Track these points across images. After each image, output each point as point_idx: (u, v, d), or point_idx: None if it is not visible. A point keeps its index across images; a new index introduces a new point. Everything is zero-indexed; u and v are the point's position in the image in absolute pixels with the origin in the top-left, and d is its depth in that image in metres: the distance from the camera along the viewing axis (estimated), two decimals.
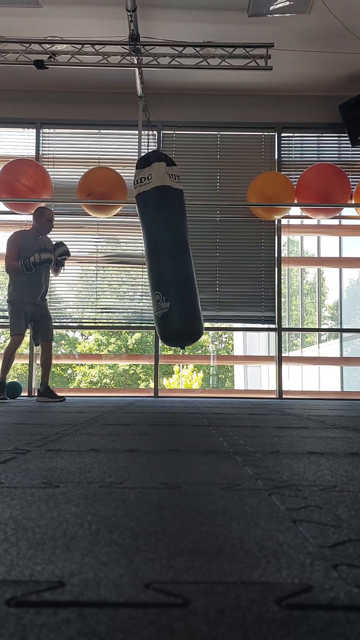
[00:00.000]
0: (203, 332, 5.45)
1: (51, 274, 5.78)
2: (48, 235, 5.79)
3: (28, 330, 5.71)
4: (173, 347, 5.81)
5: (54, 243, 5.70)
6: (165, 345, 5.89)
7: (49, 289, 5.82)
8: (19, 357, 7.04)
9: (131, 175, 6.14)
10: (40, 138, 7.15)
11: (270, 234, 7.08)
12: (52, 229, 5.80)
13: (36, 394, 5.72)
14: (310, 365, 12.69)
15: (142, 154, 5.56)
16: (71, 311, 7.15)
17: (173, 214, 5.25)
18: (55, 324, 7.23)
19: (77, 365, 22.12)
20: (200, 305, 5.55)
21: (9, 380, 5.89)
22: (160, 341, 5.52)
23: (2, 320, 7.20)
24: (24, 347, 6.24)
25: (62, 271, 5.80)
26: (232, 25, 5.71)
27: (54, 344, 5.84)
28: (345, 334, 11.44)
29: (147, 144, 7.04)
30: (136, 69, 6.08)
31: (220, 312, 7.02)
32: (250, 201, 6.80)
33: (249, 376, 18.84)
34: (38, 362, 7.17)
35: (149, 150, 5.46)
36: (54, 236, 7.01)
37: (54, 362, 5.78)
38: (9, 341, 5.69)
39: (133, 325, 7.32)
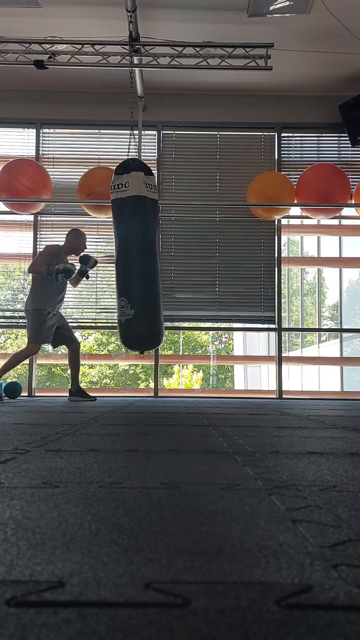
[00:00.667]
0: (162, 340, 5.64)
1: (69, 284, 6.01)
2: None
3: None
4: (139, 350, 5.95)
5: (82, 255, 5.91)
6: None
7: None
8: None
9: None
10: (40, 138, 7.15)
11: (270, 234, 7.08)
12: (48, 230, 5.92)
13: (67, 394, 5.95)
14: (310, 365, 12.69)
15: (120, 162, 5.61)
16: (71, 311, 7.15)
17: (146, 223, 5.39)
18: None
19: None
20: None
21: (9, 380, 5.91)
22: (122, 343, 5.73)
23: (1, 320, 7.20)
24: (23, 347, 6.24)
25: (84, 280, 6.09)
26: (232, 25, 5.71)
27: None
28: (345, 334, 11.44)
29: (128, 144, 7.03)
30: (136, 69, 6.08)
31: (220, 312, 7.02)
32: (250, 201, 6.80)
33: (249, 376, 18.84)
34: (39, 362, 7.19)
35: (129, 157, 5.53)
36: (54, 237, 7.02)
37: (54, 362, 5.89)
38: (24, 346, 5.84)
39: None
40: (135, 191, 5.34)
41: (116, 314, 7.05)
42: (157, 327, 5.45)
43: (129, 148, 5.93)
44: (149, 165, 7.05)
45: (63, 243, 5.98)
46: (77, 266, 5.90)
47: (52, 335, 5.75)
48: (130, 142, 5.98)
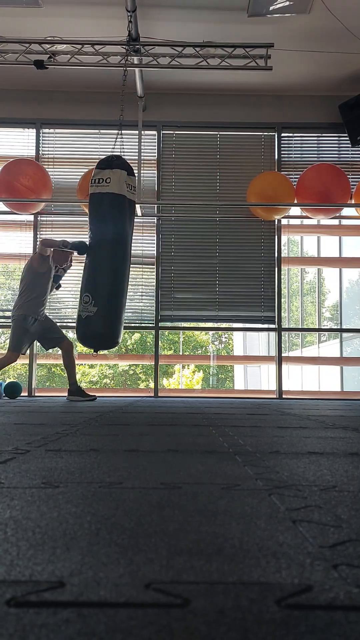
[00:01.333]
0: (119, 342, 5.52)
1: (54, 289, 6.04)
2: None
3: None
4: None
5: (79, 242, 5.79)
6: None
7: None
8: (19, 357, 7.02)
9: None
10: (40, 138, 7.15)
11: (270, 234, 7.08)
12: (48, 230, 5.91)
13: (66, 394, 5.91)
14: (310, 365, 12.69)
15: (104, 157, 5.51)
16: (71, 311, 7.15)
17: (122, 223, 5.29)
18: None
19: (77, 365, 22.11)
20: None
21: (9, 380, 5.91)
22: (78, 340, 5.66)
23: (1, 320, 7.20)
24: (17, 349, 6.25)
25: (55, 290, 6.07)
26: (232, 25, 5.71)
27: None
28: (345, 334, 11.44)
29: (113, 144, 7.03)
30: (136, 69, 6.08)
31: (220, 312, 7.02)
32: (250, 201, 6.80)
33: (249, 376, 18.84)
34: (39, 362, 7.19)
35: (112, 154, 5.42)
36: (55, 236, 7.02)
37: (54, 361, 5.87)
38: (5, 354, 5.81)
39: (133, 325, 7.31)
40: (116, 189, 5.20)
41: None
42: (117, 328, 5.32)
43: (114, 146, 5.86)
44: (149, 164, 7.08)
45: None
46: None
47: (30, 344, 5.77)
48: (115, 141, 5.89)
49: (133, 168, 5.41)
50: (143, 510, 0.96)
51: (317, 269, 15.54)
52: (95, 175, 5.35)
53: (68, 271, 6.87)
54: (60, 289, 6.23)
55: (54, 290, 6.05)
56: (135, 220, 5.64)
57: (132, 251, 5.55)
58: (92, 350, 5.53)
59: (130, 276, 5.55)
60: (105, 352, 6.46)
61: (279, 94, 7.07)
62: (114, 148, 5.75)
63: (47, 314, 6.03)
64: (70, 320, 7.14)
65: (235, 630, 0.50)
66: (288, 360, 10.04)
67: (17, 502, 1.01)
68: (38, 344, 6.42)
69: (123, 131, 7.09)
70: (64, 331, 6.15)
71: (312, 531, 0.83)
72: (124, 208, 5.29)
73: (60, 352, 5.93)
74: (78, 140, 7.21)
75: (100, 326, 5.22)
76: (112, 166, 5.26)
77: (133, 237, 5.53)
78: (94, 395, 5.88)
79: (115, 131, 7.12)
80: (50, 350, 6.47)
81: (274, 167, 7.11)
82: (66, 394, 5.88)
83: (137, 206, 6.48)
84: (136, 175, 5.64)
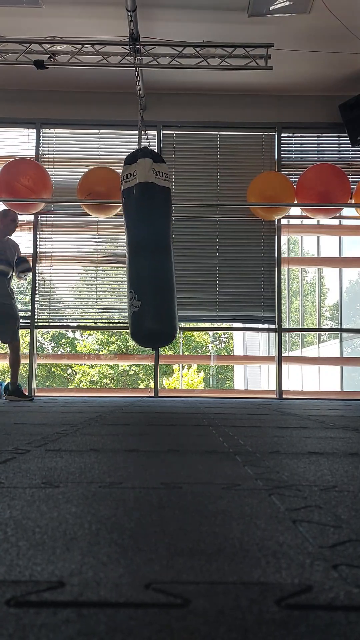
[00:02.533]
0: (175, 335, 5.29)
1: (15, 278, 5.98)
2: (14, 237, 5.95)
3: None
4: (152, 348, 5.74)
5: (20, 257, 5.85)
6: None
7: (15, 290, 5.98)
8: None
9: None
10: (40, 138, 7.15)
11: (270, 234, 7.09)
12: (48, 230, 5.88)
13: (4, 393, 5.87)
14: (310, 365, 12.69)
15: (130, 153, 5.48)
16: (71, 311, 7.15)
17: (155, 211, 5.09)
18: (56, 324, 7.24)
19: (77, 365, 22.15)
20: (177, 307, 5.44)
21: (9, 380, 5.90)
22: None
23: None
24: (24, 347, 6.24)
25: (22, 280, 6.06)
26: (232, 25, 5.71)
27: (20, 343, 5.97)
28: (345, 334, 11.44)
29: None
30: (136, 69, 6.08)
31: (220, 312, 7.02)
32: (250, 201, 6.80)
33: (249, 376, 18.84)
34: (39, 362, 7.18)
35: (138, 147, 5.37)
36: (55, 236, 7.02)
37: (53, 362, 5.84)
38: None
39: None
40: (143, 178, 5.09)
41: (118, 315, 7.07)
42: (168, 321, 5.06)
43: (139, 143, 5.81)
44: None
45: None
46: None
47: None
48: (140, 138, 5.84)
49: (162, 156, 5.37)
50: (143, 510, 0.96)
51: (317, 269, 15.55)
52: (124, 172, 5.28)
53: (67, 271, 6.87)
54: (58, 288, 6.21)
55: (22, 278, 5.98)
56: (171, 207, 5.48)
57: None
58: (151, 350, 5.36)
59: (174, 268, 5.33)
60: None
61: (279, 94, 7.07)
62: (139, 145, 5.76)
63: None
64: (70, 320, 7.14)
65: (235, 630, 0.50)
66: (288, 360, 10.05)
67: (17, 502, 1.01)
68: (38, 344, 6.41)
69: (123, 131, 7.12)
70: (61, 332, 6.11)
71: (312, 531, 0.83)
72: (154, 194, 5.12)
73: (62, 351, 5.90)
74: (78, 140, 7.21)
75: (149, 320, 4.99)
76: (136, 158, 5.20)
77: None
78: (32, 396, 5.85)
79: (116, 131, 7.14)
80: (50, 350, 6.45)
81: (274, 167, 7.11)
82: (66, 394, 5.87)
83: None
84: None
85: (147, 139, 6.34)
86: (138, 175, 5.10)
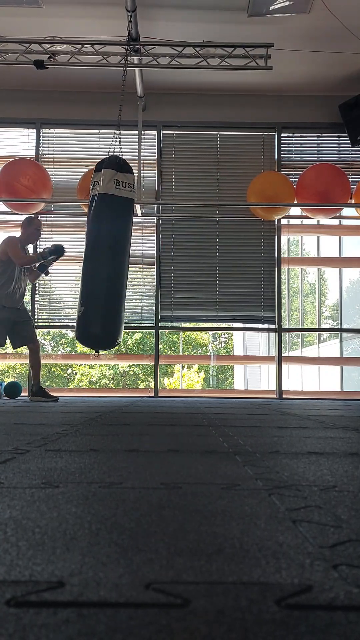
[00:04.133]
0: (116, 341, 5.39)
1: (29, 280, 5.93)
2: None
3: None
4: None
5: (50, 246, 5.77)
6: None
7: (26, 294, 5.92)
8: (19, 357, 7.05)
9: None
10: (40, 138, 7.15)
11: (270, 234, 7.08)
12: (48, 230, 5.86)
13: (28, 394, 5.84)
14: (310, 365, 12.69)
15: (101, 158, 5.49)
16: (71, 311, 7.15)
17: (111, 222, 5.19)
18: (56, 324, 7.24)
19: (77, 365, 22.15)
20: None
21: (8, 380, 5.91)
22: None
23: None
24: (23, 347, 6.24)
25: (43, 276, 5.94)
26: (232, 25, 5.71)
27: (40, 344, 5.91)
28: (345, 334, 11.44)
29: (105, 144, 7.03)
30: (136, 69, 6.08)
31: (220, 312, 7.02)
32: (250, 201, 6.80)
33: (249, 376, 18.84)
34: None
35: (106, 156, 5.37)
36: (55, 236, 7.02)
37: (54, 361, 5.84)
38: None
39: (133, 325, 7.31)
40: (103, 189, 5.17)
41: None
42: (109, 328, 5.21)
43: (112, 148, 5.81)
44: (149, 164, 7.08)
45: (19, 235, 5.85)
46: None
47: (2, 335, 5.65)
48: (112, 141, 5.82)
49: (131, 166, 5.37)
50: (143, 510, 0.96)
51: (317, 269, 15.55)
52: (92, 178, 5.37)
53: (67, 271, 6.88)
54: (58, 288, 6.18)
55: (42, 276, 5.91)
56: (134, 220, 5.56)
57: (131, 251, 5.48)
58: (93, 350, 5.50)
59: (129, 276, 5.46)
60: (105, 351, 6.39)
61: (279, 94, 7.07)
62: (110, 149, 5.69)
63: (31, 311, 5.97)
64: (70, 320, 7.14)
65: (235, 630, 0.50)
66: (288, 360, 10.05)
67: (17, 502, 1.01)
68: (53, 343, 6.42)
69: (123, 131, 7.11)
70: (61, 331, 6.08)
71: (312, 531, 0.83)
72: (112, 206, 5.20)
73: (62, 351, 5.88)
74: (78, 140, 7.21)
75: (90, 326, 5.17)
76: (101, 167, 5.26)
77: (132, 237, 5.47)
78: (56, 396, 5.83)
79: (116, 131, 7.14)
80: (50, 350, 6.43)
81: (274, 167, 7.11)
82: (66, 394, 5.87)
83: (137, 206, 6.47)
84: (135, 172, 5.55)
85: (120, 142, 6.23)
86: (99, 186, 5.18)
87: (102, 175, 5.18)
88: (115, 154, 5.35)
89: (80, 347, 23.73)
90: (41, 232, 5.88)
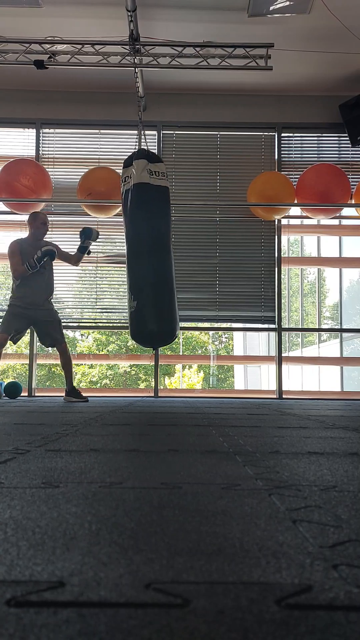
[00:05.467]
0: (174, 335, 5.29)
1: (73, 265, 5.85)
2: (46, 239, 5.82)
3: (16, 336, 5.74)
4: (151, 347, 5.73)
5: (82, 229, 5.74)
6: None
7: (53, 291, 5.80)
8: (19, 357, 7.04)
9: None
10: (40, 138, 7.15)
11: (270, 234, 7.09)
12: (49, 230, 5.83)
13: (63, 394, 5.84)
14: (310, 365, 12.69)
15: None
16: (71, 311, 7.15)
17: (151, 212, 5.11)
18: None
19: (76, 364, 22.13)
20: (178, 306, 5.44)
21: (9, 380, 5.90)
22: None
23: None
24: (23, 347, 6.24)
25: (86, 256, 5.84)
26: (232, 25, 5.71)
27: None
28: (345, 334, 11.44)
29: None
30: (136, 69, 6.08)
31: (220, 312, 7.02)
32: (250, 201, 6.80)
33: (249, 376, 18.84)
34: (39, 362, 7.18)
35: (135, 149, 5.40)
36: (54, 237, 7.02)
37: (53, 361, 5.83)
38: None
39: None
40: (137, 179, 5.14)
41: (118, 314, 7.07)
42: (166, 321, 5.08)
43: (136, 145, 5.82)
44: None
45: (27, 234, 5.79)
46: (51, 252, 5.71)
47: (19, 328, 5.59)
48: (138, 138, 5.83)
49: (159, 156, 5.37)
50: (143, 510, 0.96)
51: (317, 269, 15.55)
52: (122, 175, 5.35)
53: (67, 271, 6.86)
54: (58, 289, 6.14)
55: (85, 255, 5.80)
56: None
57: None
58: (152, 350, 5.37)
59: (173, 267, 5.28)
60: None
61: (279, 94, 7.07)
62: (135, 146, 5.72)
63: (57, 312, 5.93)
64: (70, 320, 7.14)
65: (235, 630, 0.50)
66: (288, 360, 10.04)
67: (17, 502, 1.01)
68: (38, 344, 6.42)
69: (123, 131, 7.12)
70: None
71: (312, 531, 0.83)
72: (150, 195, 5.14)
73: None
74: (78, 140, 7.21)
75: (146, 321, 5.03)
76: (131, 160, 5.25)
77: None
78: (87, 397, 5.81)
79: (116, 131, 7.14)
80: (50, 350, 6.42)
81: (274, 167, 7.11)
82: (64, 394, 5.85)
83: None
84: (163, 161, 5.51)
85: (146, 139, 6.32)
86: (133, 177, 5.16)
87: (134, 167, 5.15)
88: (141, 148, 5.35)
89: (80, 347, 23.76)
90: (48, 225, 5.76)
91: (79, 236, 5.72)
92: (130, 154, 5.57)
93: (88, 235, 5.65)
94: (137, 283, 5.06)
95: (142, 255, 5.10)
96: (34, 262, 5.44)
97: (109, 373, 22.38)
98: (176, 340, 5.34)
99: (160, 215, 5.20)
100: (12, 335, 5.61)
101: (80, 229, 5.75)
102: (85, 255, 5.81)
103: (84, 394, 5.84)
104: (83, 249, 5.72)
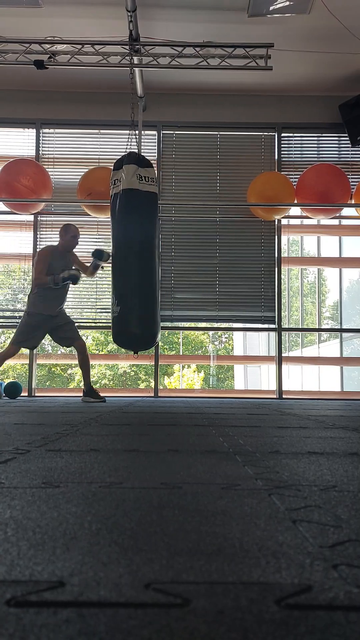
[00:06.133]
0: (156, 339, 5.36)
1: (86, 275, 5.96)
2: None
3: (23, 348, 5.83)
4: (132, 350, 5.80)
5: (94, 250, 5.86)
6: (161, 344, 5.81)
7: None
8: (19, 357, 7.05)
9: None
10: (40, 138, 7.15)
11: (270, 234, 7.08)
12: (48, 230, 5.85)
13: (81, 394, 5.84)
14: (310, 365, 12.69)
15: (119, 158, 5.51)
16: (71, 311, 7.15)
17: (138, 217, 5.16)
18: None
19: (76, 364, 22.12)
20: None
21: (9, 380, 5.90)
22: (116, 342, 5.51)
23: (1, 320, 7.20)
24: (23, 349, 6.23)
25: (100, 271, 6.06)
26: (232, 25, 5.71)
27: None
28: (345, 334, 11.44)
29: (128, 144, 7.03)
30: (136, 69, 6.08)
31: (220, 312, 7.02)
32: (250, 201, 6.80)
33: (249, 376, 18.84)
34: (39, 362, 7.17)
35: (126, 153, 5.40)
36: (55, 236, 7.02)
37: (54, 361, 5.82)
38: (5, 347, 5.77)
39: None
40: (126, 185, 5.16)
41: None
42: (148, 326, 5.17)
43: (128, 146, 5.84)
44: None
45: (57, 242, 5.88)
46: (88, 264, 5.89)
47: (37, 340, 5.69)
48: (129, 140, 5.88)
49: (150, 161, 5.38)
50: (143, 510, 0.96)
51: (317, 269, 15.55)
52: (112, 177, 5.37)
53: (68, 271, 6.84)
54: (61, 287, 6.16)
55: (95, 272, 5.94)
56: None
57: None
58: (132, 351, 5.45)
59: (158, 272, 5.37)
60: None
61: (279, 94, 7.07)
62: (126, 147, 5.71)
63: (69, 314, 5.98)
64: None
65: (235, 630, 0.50)
66: (288, 360, 10.04)
67: (17, 502, 1.01)
68: (53, 343, 6.42)
69: (123, 131, 7.11)
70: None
71: (312, 531, 0.83)
72: (139, 201, 5.17)
73: (62, 351, 5.87)
74: (78, 140, 7.21)
75: (128, 325, 5.12)
76: (122, 164, 5.26)
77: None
78: (104, 397, 5.78)
79: (115, 131, 7.14)
80: (50, 350, 6.41)
81: (274, 167, 7.11)
82: (66, 394, 5.84)
83: None
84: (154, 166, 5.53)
85: (137, 140, 6.31)
86: (122, 182, 5.17)
87: (123, 172, 5.16)
88: (131, 151, 5.36)
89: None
90: (78, 239, 5.82)
91: (92, 255, 5.83)
92: (131, 152, 5.56)
93: (99, 257, 5.78)
94: (121, 287, 5.15)
95: (127, 259, 5.18)
96: (59, 280, 5.51)
97: (108, 373, 22.38)
98: (158, 343, 5.42)
99: (148, 222, 5.26)
100: (26, 346, 5.71)
101: (93, 250, 5.86)
102: (100, 270, 5.98)
103: (80, 394, 5.81)
104: (95, 267, 5.85)
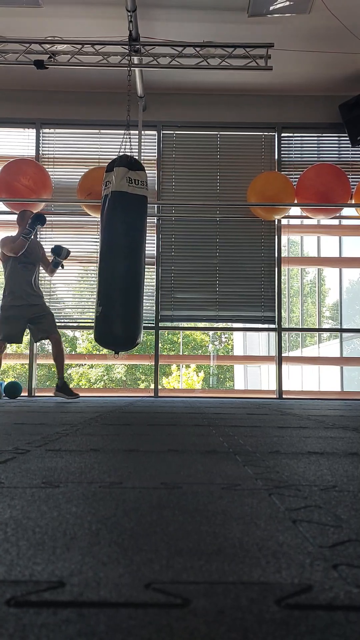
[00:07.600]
0: (136, 340, 5.35)
1: (47, 274, 5.95)
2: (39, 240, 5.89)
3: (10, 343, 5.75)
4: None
5: (53, 246, 5.81)
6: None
7: (41, 288, 5.86)
8: (19, 357, 7.05)
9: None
10: (40, 138, 7.15)
11: (270, 234, 7.08)
12: (48, 230, 5.85)
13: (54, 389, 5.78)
14: (310, 365, 12.69)
15: (116, 156, 5.50)
16: (71, 311, 7.15)
17: (126, 220, 5.18)
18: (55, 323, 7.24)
19: (77, 365, 22.15)
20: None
21: (9, 380, 5.90)
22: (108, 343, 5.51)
23: None
24: (23, 347, 6.24)
25: (57, 271, 5.91)
26: (232, 25, 5.71)
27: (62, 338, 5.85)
28: (345, 334, 11.44)
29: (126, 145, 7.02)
30: (136, 69, 6.08)
31: (220, 312, 7.02)
32: (250, 201, 6.80)
33: (249, 376, 18.84)
34: (39, 362, 7.16)
35: (118, 155, 5.39)
36: (55, 237, 7.02)
37: (54, 361, 5.79)
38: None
39: None
40: (116, 187, 5.18)
41: None
42: (129, 327, 5.19)
43: (122, 146, 5.82)
44: (149, 164, 7.07)
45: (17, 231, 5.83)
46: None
47: (18, 330, 5.59)
48: (123, 141, 5.85)
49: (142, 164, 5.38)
50: (143, 510, 0.96)
51: (317, 269, 15.55)
52: (104, 179, 5.38)
53: (67, 271, 6.86)
54: (58, 289, 6.16)
55: (59, 269, 5.88)
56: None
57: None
58: (113, 352, 5.46)
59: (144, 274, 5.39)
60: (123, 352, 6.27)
61: (279, 94, 7.07)
62: (120, 148, 5.70)
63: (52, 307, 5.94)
64: (69, 320, 7.14)
65: (235, 630, 0.50)
66: (288, 360, 10.05)
67: (17, 502, 1.01)
68: (38, 343, 6.40)
69: (123, 131, 7.11)
70: (61, 331, 6.02)
71: (312, 531, 0.83)
72: (126, 204, 5.19)
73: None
74: (78, 140, 7.21)
75: (109, 326, 5.13)
76: (112, 167, 5.28)
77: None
78: (77, 394, 5.70)
79: (116, 131, 7.14)
80: (49, 350, 6.40)
81: (274, 167, 7.11)
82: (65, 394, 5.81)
83: None
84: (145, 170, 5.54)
85: (130, 140, 6.28)
86: (112, 184, 5.18)
87: (114, 174, 5.18)
88: (123, 154, 5.36)
89: (79, 347, 23.76)
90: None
91: (51, 253, 5.77)
92: (123, 155, 5.55)
93: (57, 253, 5.73)
94: (104, 288, 5.15)
95: (112, 261, 5.18)
96: (26, 229, 5.48)
97: (105, 378, 22.34)
98: (139, 344, 5.45)
99: (135, 224, 5.26)
100: (10, 340, 5.62)
101: (52, 246, 5.80)
102: (59, 269, 5.86)
103: (80, 394, 5.78)
104: (55, 264, 5.78)
